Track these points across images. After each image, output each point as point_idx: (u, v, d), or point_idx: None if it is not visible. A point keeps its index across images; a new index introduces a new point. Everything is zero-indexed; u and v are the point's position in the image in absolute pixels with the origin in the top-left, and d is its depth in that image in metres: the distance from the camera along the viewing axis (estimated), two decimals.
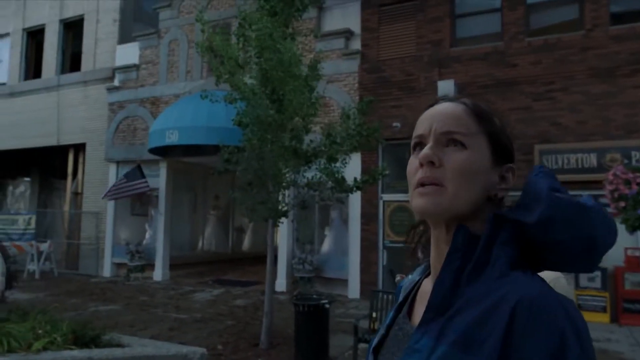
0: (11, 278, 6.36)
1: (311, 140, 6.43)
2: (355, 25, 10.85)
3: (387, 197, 10.18)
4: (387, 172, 6.73)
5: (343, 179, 6.59)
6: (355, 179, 6.71)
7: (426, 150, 0.80)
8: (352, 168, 8.31)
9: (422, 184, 0.80)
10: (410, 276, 1.01)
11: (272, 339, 6.51)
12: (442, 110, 0.83)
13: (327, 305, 5.86)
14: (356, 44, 10.81)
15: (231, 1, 12.06)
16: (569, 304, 0.69)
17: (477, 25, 9.92)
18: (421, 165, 0.81)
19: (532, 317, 0.66)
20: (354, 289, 10.19)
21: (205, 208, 16.49)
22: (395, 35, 10.41)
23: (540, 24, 9.39)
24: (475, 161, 0.79)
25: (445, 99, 0.87)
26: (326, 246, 11.05)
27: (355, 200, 10.14)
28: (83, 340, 5.50)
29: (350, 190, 6.68)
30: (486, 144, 0.82)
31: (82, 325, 5.86)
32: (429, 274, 0.91)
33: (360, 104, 7.05)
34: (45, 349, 5.11)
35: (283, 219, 6.59)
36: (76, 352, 5.24)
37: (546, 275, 2.71)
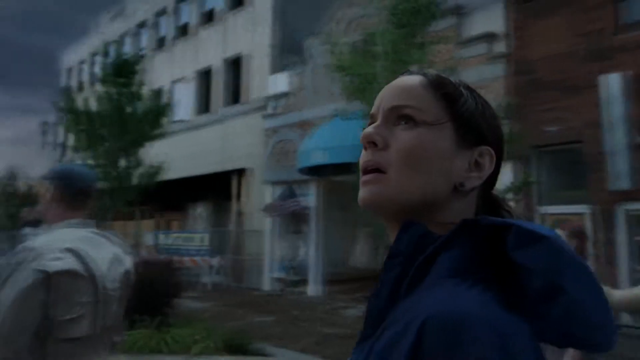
0: (179, 288, 7.21)
1: None
2: (499, 27, 10.14)
3: (545, 209, 9.15)
4: (532, 179, 6.07)
5: None
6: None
7: (368, 128, 0.67)
8: (502, 179, 7.71)
9: (364, 171, 0.67)
10: None
11: None
12: (395, 84, 0.70)
13: None
14: (501, 47, 10.08)
15: (366, 23, 12.27)
16: (514, 328, 0.50)
17: None
18: (365, 148, 0.68)
19: (442, 342, 0.49)
20: None
21: (357, 225, 16.77)
22: (545, 32, 9.43)
23: None
24: (429, 141, 0.64)
25: (407, 72, 0.72)
26: None
27: None
28: (233, 347, 5.99)
29: None
30: (448, 121, 0.65)
31: (234, 334, 6.40)
32: None
33: (505, 108, 6.54)
34: (201, 353, 5.65)
35: None
36: (226, 358, 5.70)
37: None
